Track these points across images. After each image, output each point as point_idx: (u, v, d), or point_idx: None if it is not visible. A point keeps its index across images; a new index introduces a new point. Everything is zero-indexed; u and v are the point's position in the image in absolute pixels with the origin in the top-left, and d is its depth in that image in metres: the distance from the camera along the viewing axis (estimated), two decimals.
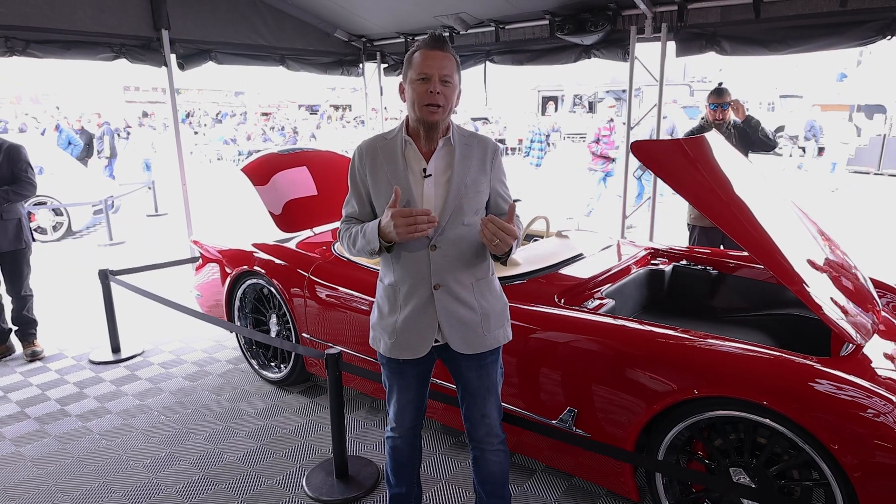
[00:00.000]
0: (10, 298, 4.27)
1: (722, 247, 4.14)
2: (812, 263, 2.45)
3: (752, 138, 4.29)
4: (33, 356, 4.27)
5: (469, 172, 1.90)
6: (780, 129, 17.57)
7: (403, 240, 1.79)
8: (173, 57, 5.44)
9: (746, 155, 4.40)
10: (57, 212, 8.24)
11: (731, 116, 4.32)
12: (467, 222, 1.90)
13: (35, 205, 8.07)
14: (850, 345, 2.19)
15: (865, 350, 2.18)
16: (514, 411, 2.57)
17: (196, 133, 24.10)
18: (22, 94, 25.77)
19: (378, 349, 2.06)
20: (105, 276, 4.18)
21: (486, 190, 1.95)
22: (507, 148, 22.12)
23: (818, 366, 1.98)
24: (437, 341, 1.98)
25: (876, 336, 2.31)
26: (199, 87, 33.22)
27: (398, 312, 1.96)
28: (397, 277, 1.95)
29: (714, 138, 2.81)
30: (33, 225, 8.13)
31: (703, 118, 4.50)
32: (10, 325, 4.34)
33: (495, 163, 1.97)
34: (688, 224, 4.56)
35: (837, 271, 2.60)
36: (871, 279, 2.90)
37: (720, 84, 4.39)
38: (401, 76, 1.91)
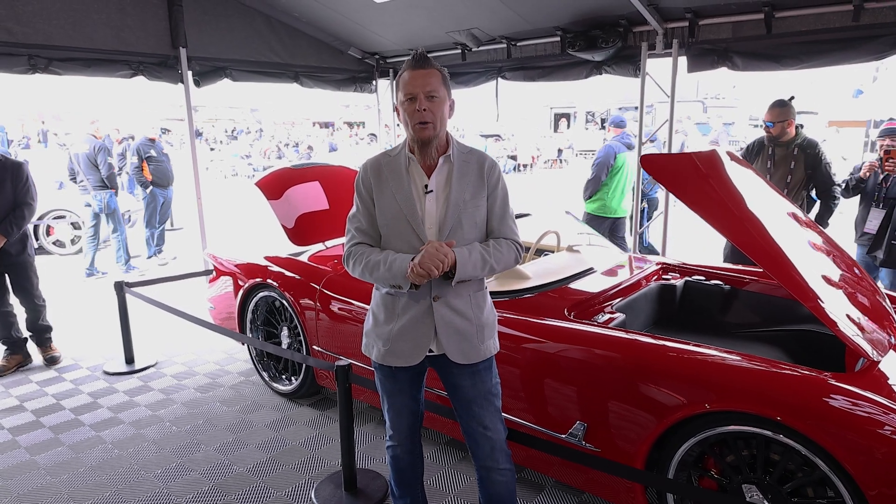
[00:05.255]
0: (23, 309, 4.37)
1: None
2: (826, 279, 2.43)
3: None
4: (52, 361, 4.38)
5: (467, 188, 1.96)
6: None
7: (413, 276, 1.84)
8: (190, 74, 5.54)
9: (810, 178, 4.15)
10: (75, 225, 8.37)
11: (801, 134, 4.17)
12: (466, 236, 1.95)
13: (54, 218, 8.22)
14: (865, 360, 2.16)
15: (881, 366, 2.14)
16: (523, 426, 2.56)
17: (212, 150, 24.45)
18: (44, 110, 26.32)
19: (370, 356, 2.08)
20: (120, 288, 4.24)
21: (484, 205, 2.00)
22: (519, 164, 22.17)
23: (833, 381, 1.96)
24: (431, 351, 2.01)
25: (892, 352, 2.27)
26: (215, 104, 33.71)
27: (395, 321, 1.99)
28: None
29: (726, 153, 2.81)
30: (52, 238, 8.29)
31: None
32: (23, 334, 4.42)
33: (492, 177, 2.00)
34: None
35: (852, 287, 2.57)
36: (888, 295, 2.86)
37: (779, 100, 4.17)
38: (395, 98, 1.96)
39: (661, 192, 7.13)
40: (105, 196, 6.94)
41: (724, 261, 4.48)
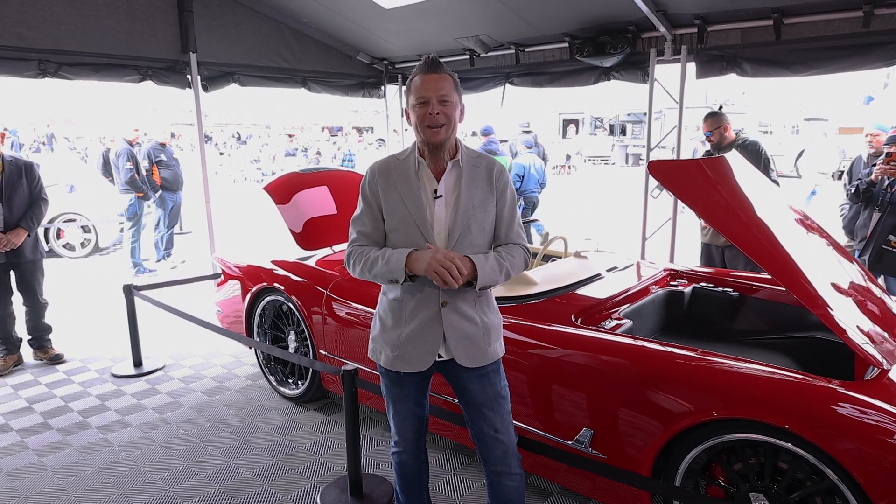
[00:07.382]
0: (25, 309, 4.46)
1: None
2: (836, 286, 2.41)
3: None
4: (57, 360, 4.49)
5: (476, 193, 1.96)
6: (802, 153, 17.32)
7: (427, 272, 1.83)
8: (199, 79, 5.58)
9: None
10: (85, 228, 8.44)
11: (740, 136, 4.38)
12: (475, 241, 1.96)
13: (64, 221, 8.29)
14: (875, 369, 2.14)
15: (891, 375, 2.12)
16: (529, 432, 2.55)
17: (221, 154, 24.59)
18: (54, 115, 26.58)
19: (378, 361, 2.08)
20: (129, 292, 4.26)
21: (493, 210, 2.00)
22: None
23: (842, 389, 1.94)
24: (440, 356, 2.00)
25: None
26: (225, 109, 33.89)
27: (403, 326, 1.99)
28: (404, 292, 1.98)
29: (734, 158, 2.80)
30: (62, 241, 8.36)
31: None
32: (19, 335, 4.51)
33: (500, 183, 2.02)
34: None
35: (862, 295, 2.55)
36: None
37: (710, 111, 4.47)
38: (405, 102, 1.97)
39: (542, 193, 7.46)
40: (128, 199, 7.23)
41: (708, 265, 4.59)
